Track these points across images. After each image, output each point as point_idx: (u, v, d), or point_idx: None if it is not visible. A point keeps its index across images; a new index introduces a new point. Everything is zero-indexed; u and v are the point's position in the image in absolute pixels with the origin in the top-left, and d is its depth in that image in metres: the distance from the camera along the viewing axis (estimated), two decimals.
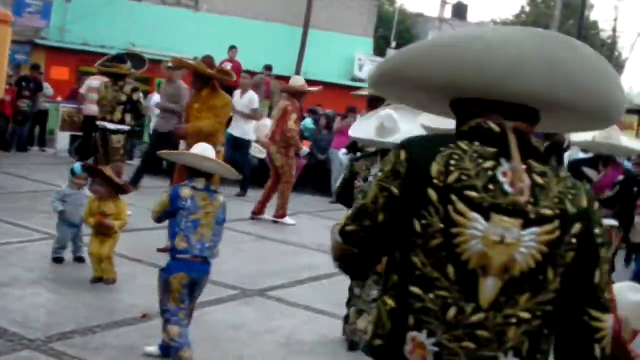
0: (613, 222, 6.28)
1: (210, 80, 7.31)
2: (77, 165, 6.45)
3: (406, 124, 4.70)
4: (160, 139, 10.30)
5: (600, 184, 6.22)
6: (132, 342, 4.69)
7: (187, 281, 4.19)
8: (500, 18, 46.25)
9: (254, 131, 13.60)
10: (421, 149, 1.76)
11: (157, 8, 21.13)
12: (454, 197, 1.68)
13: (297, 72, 19.52)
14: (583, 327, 1.72)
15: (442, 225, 1.68)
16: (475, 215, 1.67)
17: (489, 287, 1.67)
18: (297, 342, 5.20)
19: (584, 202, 1.73)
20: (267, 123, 13.79)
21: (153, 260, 6.74)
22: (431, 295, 1.69)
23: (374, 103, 8.13)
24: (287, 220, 9.83)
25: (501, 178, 1.69)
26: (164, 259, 6.62)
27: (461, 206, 1.67)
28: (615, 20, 28.25)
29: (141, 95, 9.26)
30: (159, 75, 13.31)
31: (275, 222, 9.74)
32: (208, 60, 7.52)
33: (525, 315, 1.69)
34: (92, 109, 10.65)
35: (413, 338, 1.71)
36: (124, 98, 8.79)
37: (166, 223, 4.49)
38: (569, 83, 1.68)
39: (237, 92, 11.52)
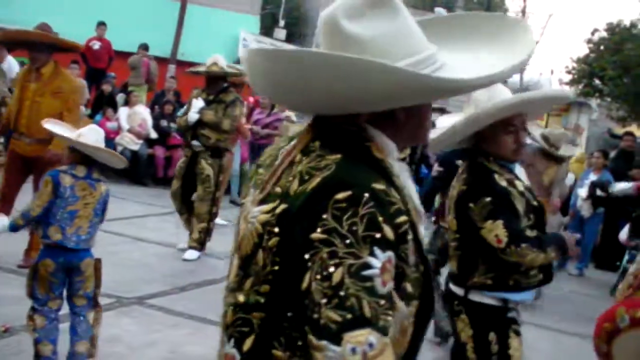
0: None
1: (52, 52, 6.76)
2: None
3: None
4: None
5: None
6: None
7: (53, 268, 4.31)
8: None
9: (126, 119, 13.42)
10: None
11: None
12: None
13: (174, 52, 19.33)
14: (306, 352, 1.54)
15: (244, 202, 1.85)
16: (252, 191, 1.81)
17: (234, 266, 1.78)
18: (182, 355, 5.23)
19: (311, 185, 1.60)
20: (140, 110, 13.65)
21: (10, 265, 6.59)
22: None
23: (212, 82, 8.32)
24: (218, 220, 9.90)
25: (280, 158, 1.79)
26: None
27: (252, 183, 1.84)
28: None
29: None
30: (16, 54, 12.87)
31: None
32: (44, 28, 7.01)
33: (240, 297, 1.69)
34: None
35: None
36: None
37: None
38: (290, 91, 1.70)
39: None
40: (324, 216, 1.53)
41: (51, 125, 4.64)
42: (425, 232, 1.79)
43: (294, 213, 1.58)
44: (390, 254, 1.53)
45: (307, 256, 1.53)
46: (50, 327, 4.32)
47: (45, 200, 4.31)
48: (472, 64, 1.72)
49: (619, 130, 17.19)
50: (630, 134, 13.44)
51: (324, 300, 1.49)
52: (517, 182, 3.45)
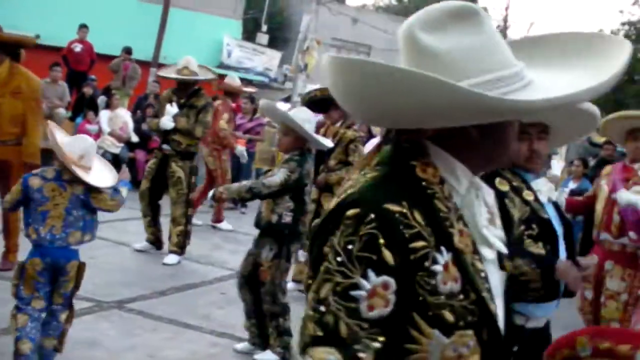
0: None
1: (5, 51, 6.50)
2: None
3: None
4: None
5: None
6: None
7: (41, 267, 4.46)
8: (383, 1, 47.51)
9: (107, 122, 13.39)
10: None
11: None
12: None
13: (156, 56, 19.27)
14: None
15: None
16: None
17: None
18: (162, 359, 5.25)
19: (336, 201, 1.61)
20: (121, 113, 13.63)
21: None
22: None
23: (183, 85, 8.35)
24: (224, 224, 10.28)
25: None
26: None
27: None
28: (507, 8, 29.56)
29: None
30: None
31: (213, 227, 10.37)
32: None
33: None
34: None
35: None
36: None
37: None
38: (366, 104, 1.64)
39: None
40: (336, 232, 1.53)
41: (50, 132, 4.69)
42: None
43: (319, 226, 1.60)
44: (386, 279, 1.49)
45: (321, 268, 1.55)
46: (31, 326, 4.42)
47: (14, 198, 4.59)
48: (560, 84, 1.61)
49: (599, 139, 17.26)
50: (610, 142, 13.49)
51: (310, 313, 1.51)
52: (525, 192, 3.38)
